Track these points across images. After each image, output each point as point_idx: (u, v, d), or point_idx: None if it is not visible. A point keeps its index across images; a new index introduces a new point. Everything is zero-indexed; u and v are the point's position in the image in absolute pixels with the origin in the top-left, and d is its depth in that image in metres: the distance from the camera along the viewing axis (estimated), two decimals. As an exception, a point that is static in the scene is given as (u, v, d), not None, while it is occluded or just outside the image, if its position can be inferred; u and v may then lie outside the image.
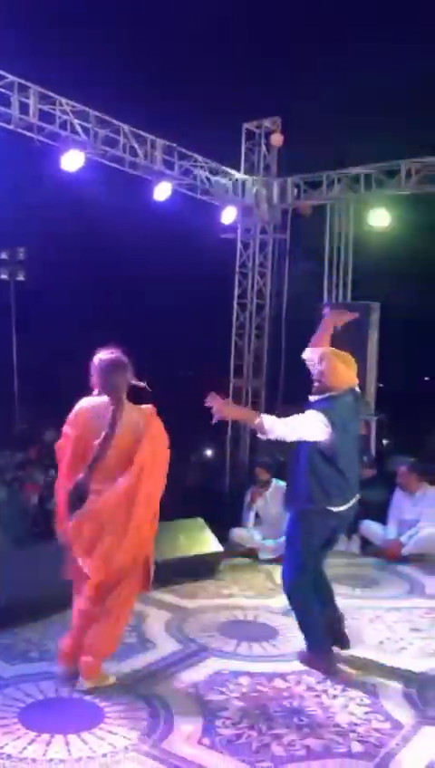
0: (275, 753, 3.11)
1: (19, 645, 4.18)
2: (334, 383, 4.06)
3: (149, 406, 3.73)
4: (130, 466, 3.57)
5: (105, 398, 3.63)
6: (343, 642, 4.19)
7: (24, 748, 3.09)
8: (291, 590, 4.12)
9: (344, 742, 3.21)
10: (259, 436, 4.00)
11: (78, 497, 3.56)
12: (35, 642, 4.20)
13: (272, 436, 3.90)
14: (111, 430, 3.54)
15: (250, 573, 5.96)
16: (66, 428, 3.73)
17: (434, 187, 8.36)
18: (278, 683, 3.79)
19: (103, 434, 3.52)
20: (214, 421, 3.85)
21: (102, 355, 3.73)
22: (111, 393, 3.63)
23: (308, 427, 3.91)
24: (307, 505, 4.01)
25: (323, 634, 4.08)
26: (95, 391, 3.72)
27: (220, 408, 3.83)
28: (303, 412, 4.09)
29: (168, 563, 5.41)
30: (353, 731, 3.30)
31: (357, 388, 4.22)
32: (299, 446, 4.02)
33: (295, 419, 3.93)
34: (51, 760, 3.01)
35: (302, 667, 3.98)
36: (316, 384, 4.16)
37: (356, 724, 3.36)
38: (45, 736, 3.18)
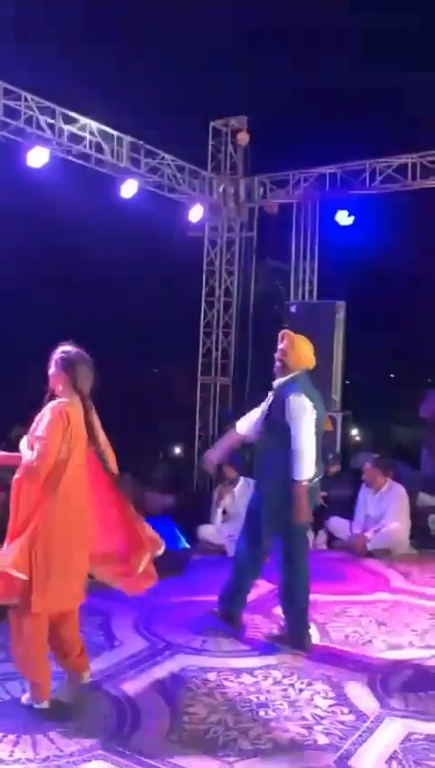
0: (242, 747, 3.13)
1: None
2: (296, 362, 4.26)
3: None
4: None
5: (74, 399, 3.40)
6: (236, 622, 4.46)
7: (-10, 749, 3.08)
8: (237, 556, 4.51)
9: (310, 734, 3.25)
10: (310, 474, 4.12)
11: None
12: (0, 644, 4.16)
13: (311, 461, 4.08)
14: (93, 432, 3.44)
15: (218, 570, 5.97)
16: (50, 437, 3.26)
17: (398, 186, 8.48)
18: (245, 678, 3.81)
19: (97, 439, 3.44)
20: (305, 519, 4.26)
21: (68, 348, 3.47)
22: (81, 390, 3.41)
23: (309, 420, 4.10)
24: (281, 483, 4.14)
25: (238, 607, 4.42)
26: (59, 390, 3.42)
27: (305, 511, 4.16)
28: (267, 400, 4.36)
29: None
30: (319, 723, 3.34)
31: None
32: (284, 427, 4.13)
33: (300, 433, 4.06)
34: (18, 760, 2.99)
35: (269, 662, 4.02)
36: (278, 364, 4.33)
37: (321, 717, 3.40)
38: (11, 737, 3.15)
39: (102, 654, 4.06)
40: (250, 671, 3.90)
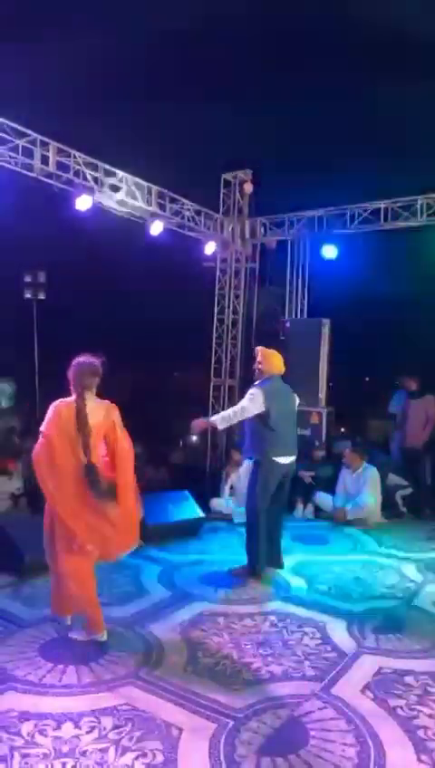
0: (246, 677, 3.13)
1: (39, 593, 4.11)
2: (267, 368, 4.66)
3: (108, 401, 3.47)
4: (107, 447, 3.41)
5: (73, 398, 3.37)
6: (278, 563, 4.71)
7: (43, 676, 3.08)
8: (249, 517, 4.59)
9: (300, 668, 3.24)
10: (219, 427, 4.59)
11: (94, 478, 3.27)
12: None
13: (226, 425, 4.56)
14: (79, 419, 3.29)
15: (226, 534, 5.97)
16: (46, 429, 3.30)
17: (373, 227, 8.45)
18: (247, 622, 3.80)
19: (75, 424, 3.29)
20: (193, 434, 4.43)
21: (78, 359, 3.46)
22: (77, 390, 3.36)
23: (249, 406, 4.47)
24: (259, 456, 4.50)
25: (262, 557, 4.53)
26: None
27: (194, 426, 4.69)
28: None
29: (159, 526, 5.42)
30: (307, 659, 3.33)
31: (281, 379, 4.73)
32: (260, 414, 4.48)
33: (238, 406, 4.55)
34: (66, 685, 3.00)
35: (267, 609, 4.00)
36: (256, 372, 4.72)
37: (309, 654, 3.39)
38: (60, 666, 3.16)
39: (133, 600, 4.06)
40: (251, 616, 3.89)
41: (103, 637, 3.38)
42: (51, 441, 3.30)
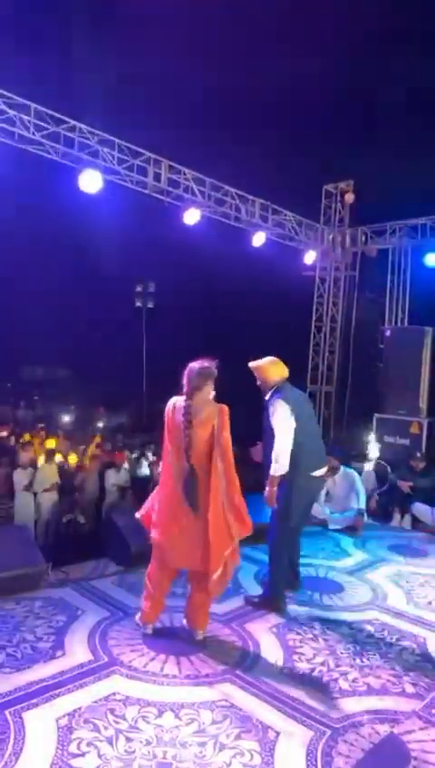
0: (342, 687, 2.97)
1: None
2: (270, 377, 3.91)
3: (222, 405, 3.29)
4: (213, 450, 3.23)
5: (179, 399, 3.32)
6: (296, 586, 4.14)
7: (146, 664, 3.10)
8: (272, 545, 3.95)
9: (399, 683, 3.03)
10: (281, 472, 3.75)
11: (191, 479, 3.19)
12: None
13: (284, 464, 3.71)
14: (187, 420, 3.21)
15: (321, 539, 5.78)
16: (164, 431, 3.33)
17: None
18: (344, 630, 3.63)
19: (182, 425, 3.22)
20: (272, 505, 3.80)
21: (192, 365, 3.38)
22: (186, 391, 3.30)
23: (286, 427, 3.73)
24: (290, 474, 3.76)
25: (283, 585, 3.95)
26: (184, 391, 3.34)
27: (268, 498, 3.79)
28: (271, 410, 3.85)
29: (254, 528, 5.32)
30: (407, 674, 3.11)
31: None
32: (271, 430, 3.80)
33: (278, 440, 3.71)
34: (166, 675, 3.01)
35: (363, 617, 3.80)
36: (261, 387, 3.98)
37: (409, 670, 3.17)
38: (162, 656, 3.17)
39: (231, 599, 4.00)
40: (349, 624, 3.71)
41: (148, 630, 3.38)
42: (164, 438, 3.32)
